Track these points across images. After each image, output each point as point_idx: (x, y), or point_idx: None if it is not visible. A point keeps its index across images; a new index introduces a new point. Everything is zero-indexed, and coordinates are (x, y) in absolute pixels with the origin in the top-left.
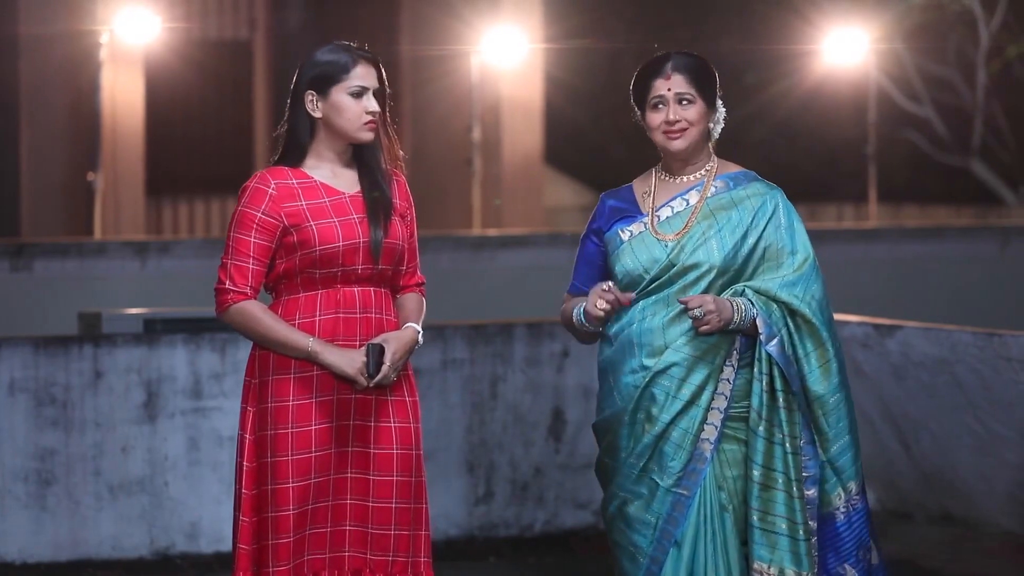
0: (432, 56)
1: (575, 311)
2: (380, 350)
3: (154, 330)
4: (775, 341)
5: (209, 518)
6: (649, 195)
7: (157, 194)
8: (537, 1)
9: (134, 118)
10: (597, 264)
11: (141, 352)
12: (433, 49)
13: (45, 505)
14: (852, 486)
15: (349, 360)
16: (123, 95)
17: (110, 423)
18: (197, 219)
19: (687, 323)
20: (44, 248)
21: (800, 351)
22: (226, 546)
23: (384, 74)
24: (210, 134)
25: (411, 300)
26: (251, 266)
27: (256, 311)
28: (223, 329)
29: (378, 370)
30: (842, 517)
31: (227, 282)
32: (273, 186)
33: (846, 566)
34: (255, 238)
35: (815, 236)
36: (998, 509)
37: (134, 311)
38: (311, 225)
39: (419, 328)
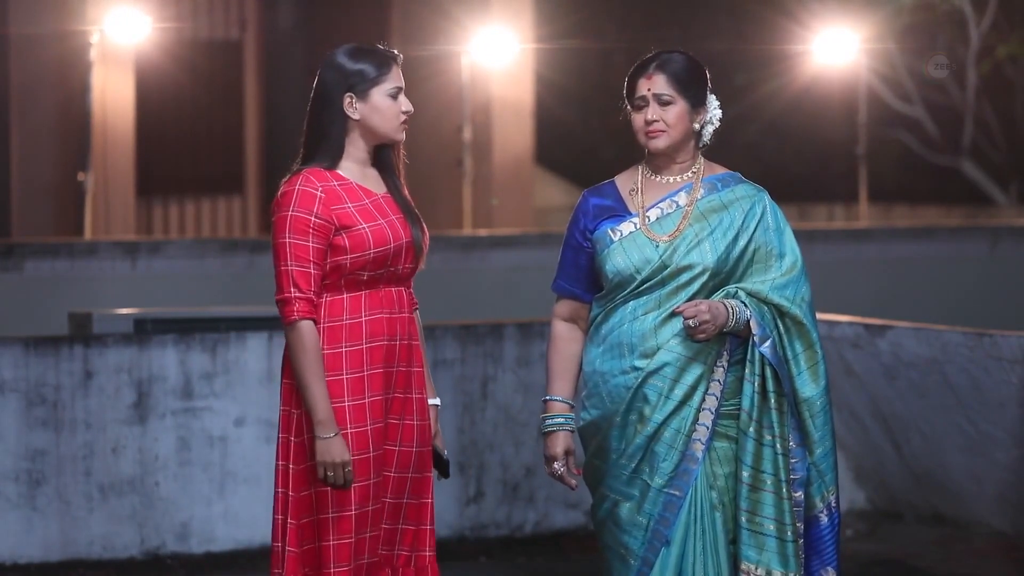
0: (422, 56)
1: (548, 383)
2: (438, 450)
3: (144, 330)
4: (769, 342)
5: (199, 518)
6: (636, 193)
7: (148, 194)
8: (527, 1)
9: (124, 118)
10: (583, 264)
11: (132, 352)
12: (423, 49)
13: (35, 505)
14: (833, 489)
15: (340, 452)
16: (113, 95)
17: (100, 423)
18: (188, 219)
19: (679, 323)
20: (34, 248)
21: (789, 353)
22: (216, 546)
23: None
24: (201, 134)
25: (418, 331)
26: (312, 271)
27: (312, 345)
28: (213, 329)
29: (446, 466)
30: (825, 520)
31: (292, 290)
32: (320, 188)
33: (829, 569)
34: (313, 242)
35: (805, 236)
36: (988, 509)
37: (125, 311)
38: (364, 227)
39: (438, 402)
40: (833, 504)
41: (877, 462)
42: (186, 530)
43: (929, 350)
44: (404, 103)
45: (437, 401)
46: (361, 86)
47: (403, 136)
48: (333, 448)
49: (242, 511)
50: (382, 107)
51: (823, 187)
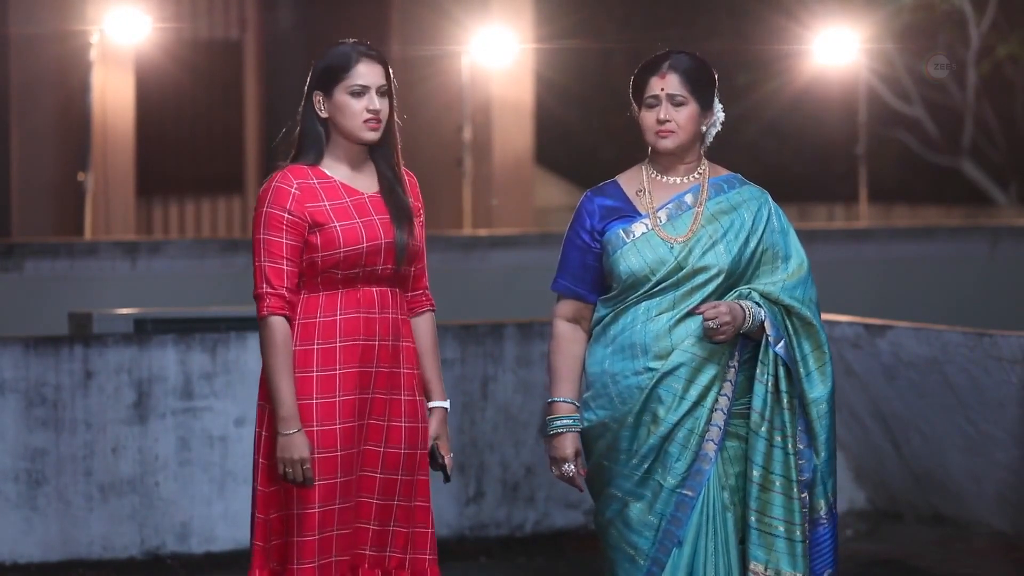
0: (422, 56)
1: (552, 384)
2: (436, 453)
3: (144, 330)
4: (783, 343)
5: (199, 518)
6: (644, 194)
7: (148, 194)
8: (527, 1)
9: (124, 118)
10: (590, 264)
11: (132, 352)
12: (423, 49)
13: (35, 505)
14: (834, 492)
15: (299, 449)
16: (113, 95)
17: (101, 423)
18: (188, 219)
19: (693, 324)
20: (34, 248)
21: (798, 353)
22: (216, 546)
23: (391, 72)
24: (201, 134)
25: (426, 333)
26: (285, 267)
27: (280, 341)
28: (213, 329)
29: (446, 470)
30: (826, 522)
31: (264, 285)
32: (296, 185)
33: (829, 570)
34: (287, 239)
35: (805, 236)
36: (988, 509)
37: (125, 311)
38: (336, 226)
39: (446, 404)
40: (833, 507)
41: (877, 462)
42: (186, 530)
43: (929, 350)
44: (371, 101)
45: (446, 404)
46: (327, 84)
47: (370, 136)
48: (292, 445)
49: (242, 511)
50: (342, 105)
51: (823, 187)
